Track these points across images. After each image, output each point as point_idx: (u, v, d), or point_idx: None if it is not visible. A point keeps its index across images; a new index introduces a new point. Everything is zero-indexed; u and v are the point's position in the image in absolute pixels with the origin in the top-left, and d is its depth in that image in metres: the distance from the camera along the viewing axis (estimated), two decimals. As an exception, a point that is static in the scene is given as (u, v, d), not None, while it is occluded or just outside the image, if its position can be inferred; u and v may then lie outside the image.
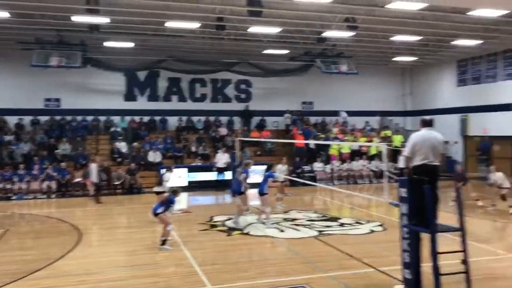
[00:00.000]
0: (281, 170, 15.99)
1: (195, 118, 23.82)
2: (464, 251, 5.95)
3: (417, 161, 6.44)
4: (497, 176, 13.22)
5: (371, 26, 17.20)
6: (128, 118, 22.79)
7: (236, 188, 11.65)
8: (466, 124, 23.66)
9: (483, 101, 22.36)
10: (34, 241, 10.35)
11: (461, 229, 6.01)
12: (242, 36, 18.67)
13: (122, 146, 20.62)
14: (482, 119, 22.56)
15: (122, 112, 22.65)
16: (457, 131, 24.03)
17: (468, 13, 15.16)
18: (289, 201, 15.22)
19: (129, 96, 23.23)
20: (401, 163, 19.28)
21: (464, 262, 5.93)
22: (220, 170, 19.08)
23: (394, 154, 19.91)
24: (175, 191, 9.84)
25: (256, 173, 19.99)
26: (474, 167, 23.95)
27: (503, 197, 13.10)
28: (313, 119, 24.83)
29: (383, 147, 9.02)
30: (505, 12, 15.09)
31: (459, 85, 24.14)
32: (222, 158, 19.07)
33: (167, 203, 9.65)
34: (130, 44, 19.47)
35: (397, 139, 22.92)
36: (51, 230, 11.31)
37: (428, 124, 6.64)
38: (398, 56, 23.31)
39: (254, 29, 17.26)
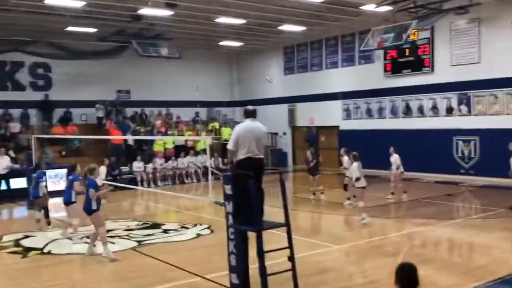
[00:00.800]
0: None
1: (-26, 111, 21.18)
2: (290, 247, 6.48)
3: (241, 155, 6.72)
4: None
5: (192, 5, 17.52)
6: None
7: (67, 198, 10.74)
8: (294, 115, 26.00)
9: (310, 90, 24.86)
10: None
11: (286, 225, 6.53)
12: (36, 8, 17.16)
13: None
14: (309, 109, 25.06)
15: None
16: (286, 122, 26.25)
17: (291, -3, 16.60)
18: (106, 210, 14.61)
19: None
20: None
21: (291, 258, 6.45)
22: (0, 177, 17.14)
23: (224, 148, 20.73)
24: None
25: (60, 178, 18.91)
26: (303, 158, 26.54)
27: (345, 187, 14.04)
28: (130, 111, 24.31)
29: (208, 141, 9.28)
30: (326, -2, 16.96)
31: (286, 74, 26.37)
32: (1, 162, 17.20)
33: None
34: None
35: (226, 132, 23.97)
36: None
37: (251, 114, 6.98)
38: (224, 41, 24.30)
39: (51, 1, 16.03)
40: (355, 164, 11.92)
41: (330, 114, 24.05)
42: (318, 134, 25.32)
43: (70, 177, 11.15)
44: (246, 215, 6.34)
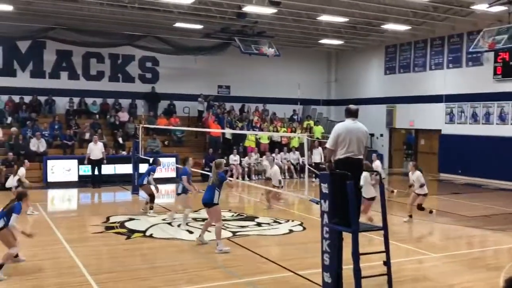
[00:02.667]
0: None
1: (89, 100, 22.92)
2: (386, 251, 6.35)
3: (340, 154, 6.68)
4: (415, 176, 12.24)
5: (295, 3, 17.62)
6: (5, 97, 21.36)
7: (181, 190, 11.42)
8: (393, 116, 25.24)
9: (411, 92, 23.98)
10: None
11: (383, 228, 6.40)
12: (149, 5, 18.20)
13: (-3, 131, 19.25)
14: (409, 111, 24.19)
15: (-3, 90, 21.16)
16: (383, 123, 25.56)
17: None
18: (198, 199, 15.21)
19: (7, 71, 21.80)
20: (316, 157, 20.19)
21: (386, 263, 6.32)
22: (94, 163, 18.23)
23: (320, 145, 20.64)
24: (22, 194, 8.14)
25: (162, 167, 19.91)
26: (400, 162, 25.72)
27: (419, 206, 12.30)
28: (229, 106, 25.00)
29: (305, 139, 9.30)
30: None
31: (387, 74, 25.65)
32: (94, 149, 18.27)
33: (12, 211, 7.70)
34: (8, 7, 18.14)
35: (318, 130, 23.85)
36: None
37: (353, 114, 6.90)
38: (324, 39, 24.17)
39: (163, -2, 16.93)
40: (418, 172, 12.15)
41: (432, 117, 23.03)
42: (417, 137, 24.40)
43: (182, 169, 11.65)
44: (342, 215, 6.29)
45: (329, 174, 6.65)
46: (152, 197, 12.92)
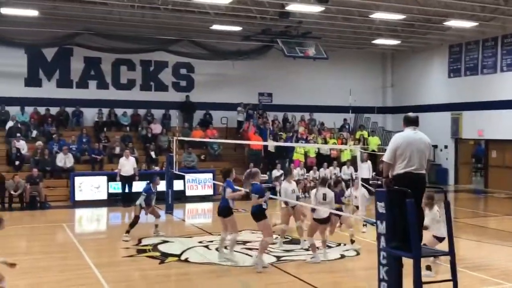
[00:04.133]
0: None
1: (119, 111, 23.47)
2: (453, 280, 6.18)
3: (399, 169, 6.59)
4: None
5: (345, 0, 17.58)
6: (30, 109, 22.15)
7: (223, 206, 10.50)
8: (459, 125, 24.66)
9: (479, 97, 23.38)
10: None
11: (450, 254, 6.24)
12: (183, 6, 18.58)
13: (22, 145, 19.93)
14: (477, 119, 23.57)
15: (22, 101, 21.99)
16: (448, 133, 24.99)
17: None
18: (242, 219, 15.24)
19: (32, 80, 22.60)
20: (364, 172, 19.58)
21: (454, 293, 6.15)
22: (125, 180, 18.51)
23: (370, 160, 20.40)
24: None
25: (198, 183, 20.18)
26: (467, 177, 25.04)
27: None
28: (272, 115, 25.07)
29: (358, 151, 9.22)
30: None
31: (451, 76, 25.12)
32: (126, 165, 18.54)
33: None
34: (33, 13, 18.89)
35: (374, 142, 23.56)
36: None
37: (413, 123, 6.81)
38: (378, 39, 23.97)
39: (198, -2, 17.26)
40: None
41: (504, 126, 22.33)
42: (487, 148, 23.71)
43: (224, 184, 10.76)
44: (402, 238, 6.18)
45: (387, 191, 6.55)
46: (135, 220, 12.55)
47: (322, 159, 22.39)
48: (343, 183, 12.51)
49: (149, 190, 12.95)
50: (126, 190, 18.36)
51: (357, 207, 11.92)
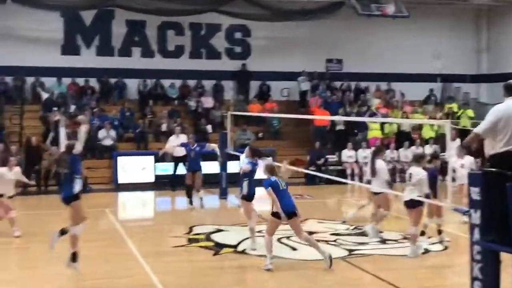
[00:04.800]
0: None
1: (166, 82, 23.85)
2: None
3: (498, 147, 6.45)
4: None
5: None
6: (67, 80, 22.77)
7: None
8: None
9: None
10: None
11: None
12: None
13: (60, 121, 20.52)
14: None
15: (58, 71, 22.65)
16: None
17: None
18: (306, 206, 15.32)
19: (69, 48, 23.23)
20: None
21: None
22: (178, 160, 18.64)
23: (461, 137, 19.89)
24: None
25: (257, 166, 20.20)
26: None
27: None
28: (342, 85, 24.88)
29: (448, 127, 8.99)
30: None
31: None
32: (176, 142, 18.70)
33: None
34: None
35: (466, 116, 22.91)
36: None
37: (516, 92, 6.64)
38: (471, -8, 23.21)
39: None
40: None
41: None
42: None
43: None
44: (501, 230, 6.03)
45: (483, 173, 6.40)
46: None
47: (402, 138, 21.98)
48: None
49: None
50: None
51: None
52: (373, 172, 11.47)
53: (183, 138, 18.67)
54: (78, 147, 8.71)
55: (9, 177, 12.11)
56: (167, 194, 18.06)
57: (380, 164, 11.59)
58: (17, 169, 12.61)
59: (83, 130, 8.83)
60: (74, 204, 8.68)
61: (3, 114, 21.02)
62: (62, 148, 9.22)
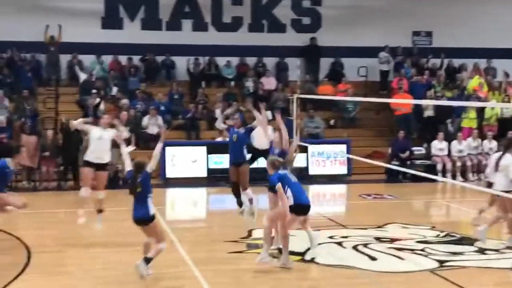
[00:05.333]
0: None
1: (221, 60, 24.00)
2: None
3: None
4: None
5: None
6: (108, 57, 23.18)
7: None
8: None
9: None
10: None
11: None
12: None
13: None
14: None
15: (98, 48, 23.07)
16: None
17: None
18: (387, 208, 15.18)
19: (111, 21, 23.68)
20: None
21: None
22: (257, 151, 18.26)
23: None
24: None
25: (326, 157, 20.10)
26: None
27: None
28: (432, 63, 24.54)
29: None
30: None
31: None
32: (261, 132, 18.59)
33: None
34: None
35: None
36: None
37: None
38: None
39: None
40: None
41: None
42: None
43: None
44: None
45: None
46: None
47: (505, 126, 21.42)
48: None
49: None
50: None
51: None
52: (497, 168, 11.23)
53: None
54: (152, 166, 9.32)
55: None
56: (222, 191, 18.07)
57: (509, 159, 11.29)
58: None
59: (158, 147, 9.53)
60: (153, 226, 9.39)
61: (36, 97, 21.48)
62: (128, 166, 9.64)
